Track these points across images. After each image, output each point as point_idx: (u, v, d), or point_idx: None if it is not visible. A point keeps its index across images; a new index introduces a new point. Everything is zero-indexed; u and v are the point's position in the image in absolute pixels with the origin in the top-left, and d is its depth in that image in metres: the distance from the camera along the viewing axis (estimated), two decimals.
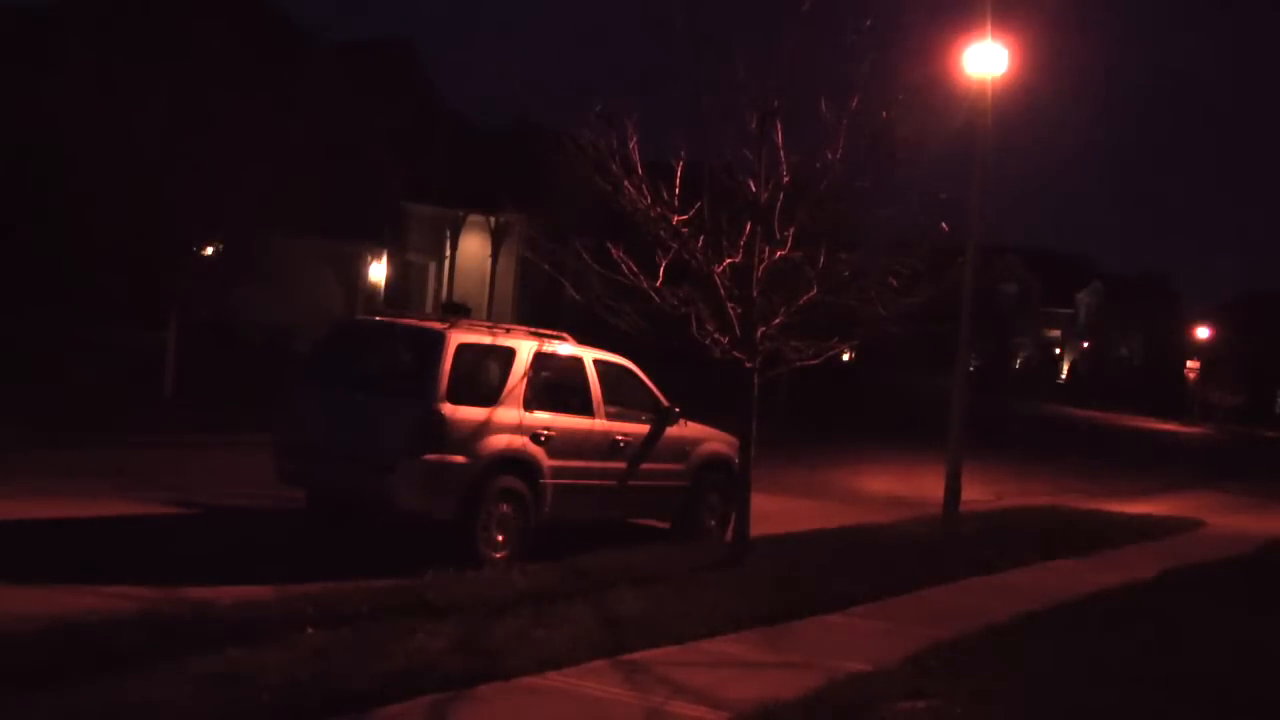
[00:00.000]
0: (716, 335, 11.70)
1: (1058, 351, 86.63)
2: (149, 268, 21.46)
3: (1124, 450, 41.08)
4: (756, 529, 12.38)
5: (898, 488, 21.21)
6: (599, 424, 12.36)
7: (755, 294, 11.59)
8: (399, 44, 38.27)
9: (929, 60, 12.72)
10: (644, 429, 12.82)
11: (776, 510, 15.46)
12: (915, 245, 12.17)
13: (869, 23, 11.40)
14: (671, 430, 13.09)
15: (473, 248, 40.10)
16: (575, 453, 12.01)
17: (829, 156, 11.42)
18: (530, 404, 11.63)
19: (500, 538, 11.29)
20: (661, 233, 11.49)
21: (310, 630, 8.07)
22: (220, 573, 9.98)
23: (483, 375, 11.41)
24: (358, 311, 34.60)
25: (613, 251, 11.66)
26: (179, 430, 18.86)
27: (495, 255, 40.26)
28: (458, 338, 11.28)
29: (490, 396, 11.35)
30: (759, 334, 11.68)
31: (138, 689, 6.61)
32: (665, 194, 11.37)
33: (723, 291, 11.53)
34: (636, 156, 11.33)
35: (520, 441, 11.48)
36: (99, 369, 21.98)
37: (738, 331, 11.65)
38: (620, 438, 12.55)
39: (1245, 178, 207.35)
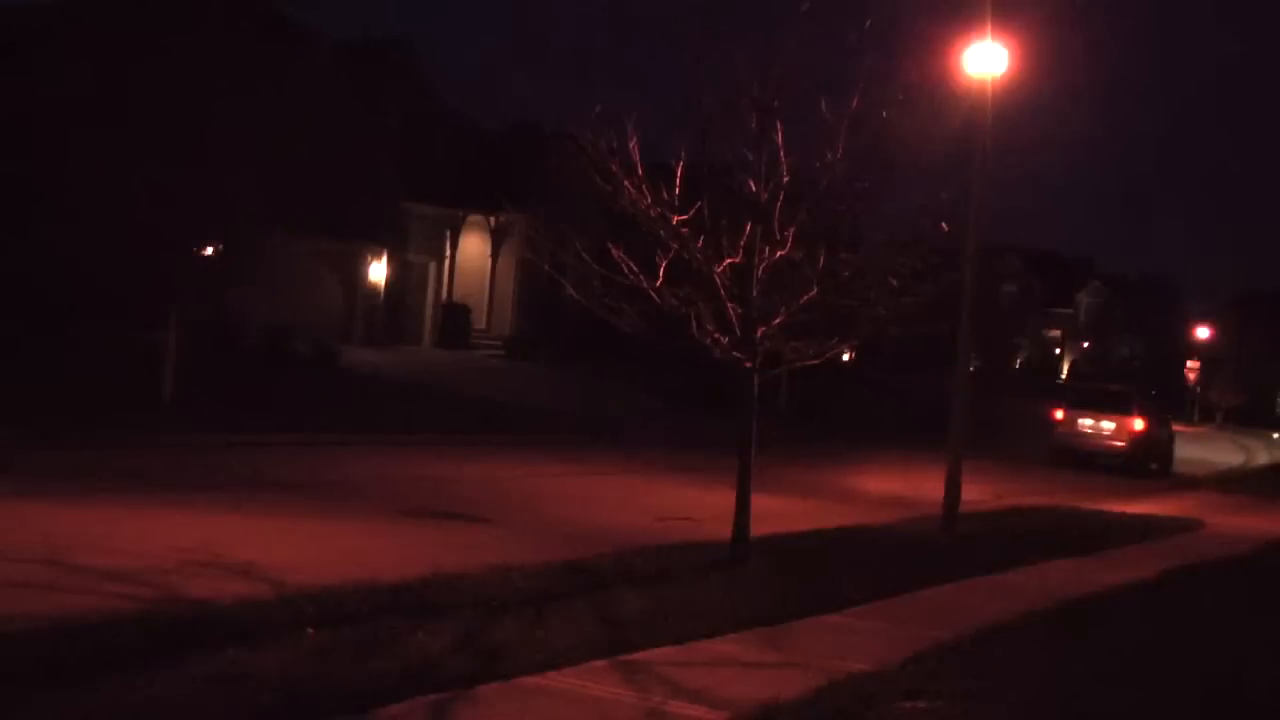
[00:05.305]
0: (716, 335, 11.69)
1: (1058, 351, 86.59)
2: (149, 268, 21.44)
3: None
4: (756, 529, 12.37)
5: (898, 488, 21.20)
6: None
7: (755, 294, 11.57)
8: (399, 44, 38.25)
9: (929, 60, 12.71)
10: None
11: (776, 510, 15.45)
12: (915, 245, 12.16)
13: (869, 23, 11.40)
14: None
15: (473, 248, 40.10)
16: None
17: (829, 156, 11.42)
18: None
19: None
20: (661, 233, 11.48)
21: (310, 630, 8.06)
22: (220, 573, 9.96)
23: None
24: (357, 310, 34.99)
25: (613, 251, 11.66)
26: (178, 430, 18.85)
27: (495, 255, 40.28)
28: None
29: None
30: (759, 334, 11.67)
31: (138, 689, 6.60)
32: (665, 194, 11.36)
33: (723, 291, 11.52)
34: (636, 156, 11.31)
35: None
36: (99, 369, 21.96)
37: (738, 331, 11.64)
38: None
39: (1245, 177, 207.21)
